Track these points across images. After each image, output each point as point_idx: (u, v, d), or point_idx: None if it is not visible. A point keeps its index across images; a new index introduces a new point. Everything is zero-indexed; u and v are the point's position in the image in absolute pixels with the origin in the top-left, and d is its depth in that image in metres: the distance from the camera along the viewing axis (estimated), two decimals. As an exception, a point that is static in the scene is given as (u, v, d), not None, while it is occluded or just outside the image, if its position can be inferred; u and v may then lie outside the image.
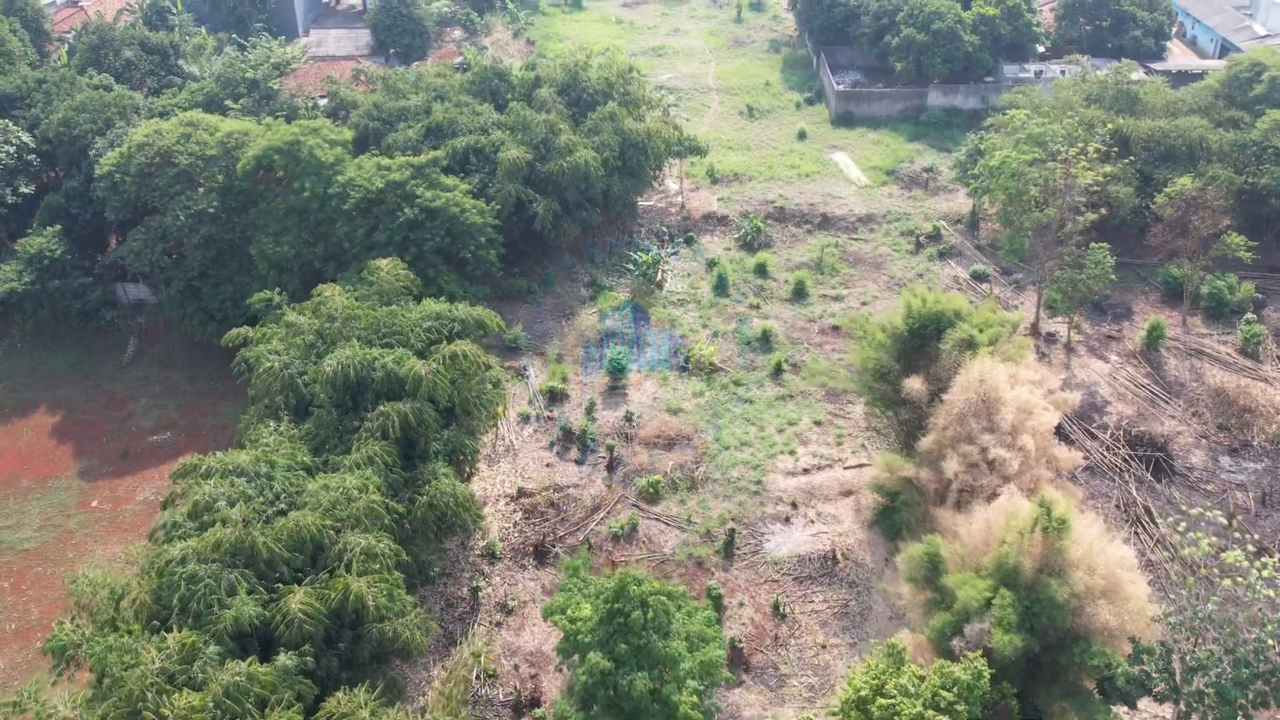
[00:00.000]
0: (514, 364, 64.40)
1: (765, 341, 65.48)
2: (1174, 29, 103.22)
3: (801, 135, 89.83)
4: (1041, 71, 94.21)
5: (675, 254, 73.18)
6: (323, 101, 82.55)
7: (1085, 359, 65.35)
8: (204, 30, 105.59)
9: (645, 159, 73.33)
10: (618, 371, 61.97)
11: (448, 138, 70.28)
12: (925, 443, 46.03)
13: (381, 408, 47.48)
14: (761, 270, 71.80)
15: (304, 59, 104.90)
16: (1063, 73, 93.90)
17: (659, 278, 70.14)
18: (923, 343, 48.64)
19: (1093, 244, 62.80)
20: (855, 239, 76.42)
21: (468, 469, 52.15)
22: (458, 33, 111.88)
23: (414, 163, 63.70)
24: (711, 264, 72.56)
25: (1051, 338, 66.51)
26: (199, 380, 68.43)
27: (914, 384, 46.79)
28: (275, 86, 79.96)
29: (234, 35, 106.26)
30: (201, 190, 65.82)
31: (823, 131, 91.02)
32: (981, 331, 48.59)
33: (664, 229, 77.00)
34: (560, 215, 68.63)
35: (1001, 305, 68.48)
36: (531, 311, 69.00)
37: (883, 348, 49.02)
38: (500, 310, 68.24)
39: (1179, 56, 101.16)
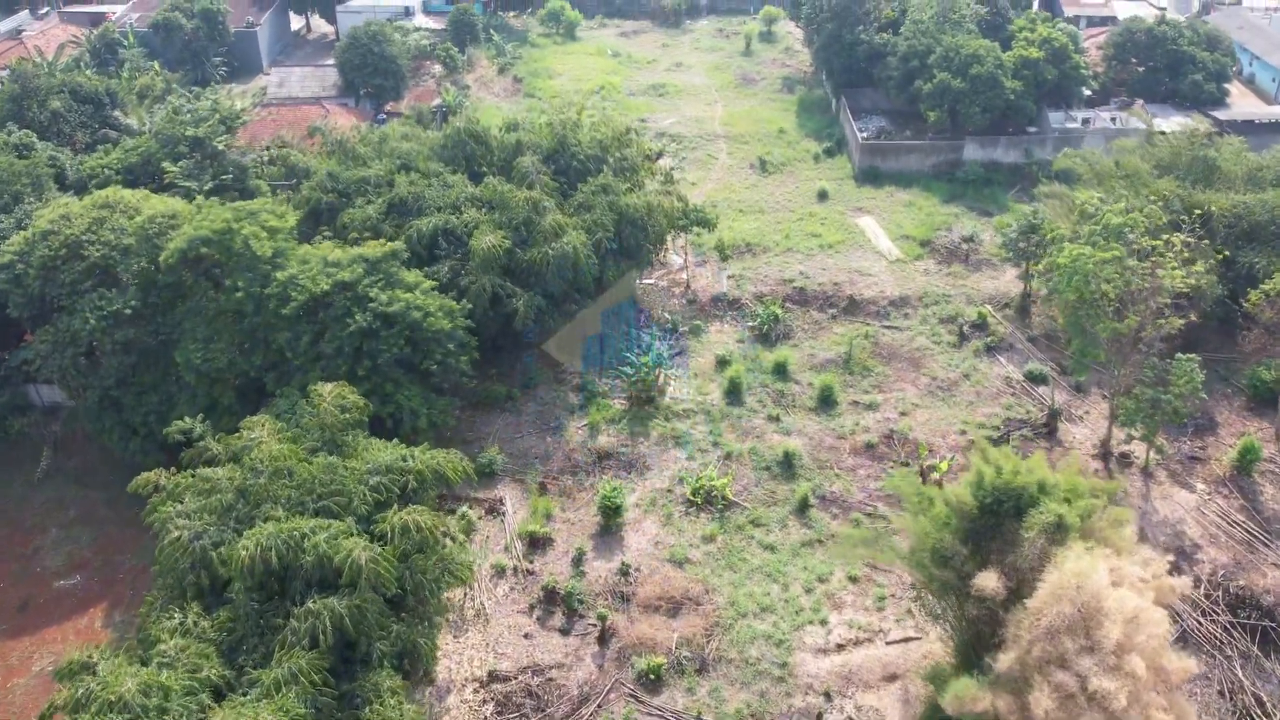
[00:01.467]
0: (488, 495, 54.64)
1: (788, 466, 55.72)
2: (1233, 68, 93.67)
3: (822, 195, 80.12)
4: (1090, 120, 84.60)
5: (679, 353, 63.38)
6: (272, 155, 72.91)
7: (1166, 487, 55.61)
8: (156, 66, 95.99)
9: (645, 238, 63.65)
10: (612, 510, 52.23)
11: (413, 216, 60.60)
12: (1004, 662, 36.28)
13: (311, 604, 37.78)
14: (781, 371, 62.05)
15: (263, 101, 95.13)
16: (1113, 120, 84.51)
17: (660, 382, 60.40)
18: (998, 522, 38.94)
19: (1179, 354, 53.12)
20: (888, 327, 66.69)
21: (422, 671, 42.43)
22: (438, 68, 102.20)
23: (368, 256, 53.91)
24: (722, 363, 62.81)
25: (1125, 460, 56.80)
26: (120, 504, 58.26)
27: (988, 582, 37.05)
28: (221, 146, 70.17)
29: (188, 71, 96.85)
30: (118, 289, 56.05)
31: (846, 190, 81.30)
32: (1070, 504, 38.89)
33: (666, 315, 67.27)
34: (545, 310, 58.96)
35: (1063, 415, 58.87)
36: (510, 423, 59.26)
37: (946, 526, 39.29)
38: (473, 422, 58.73)
39: (1239, 99, 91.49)
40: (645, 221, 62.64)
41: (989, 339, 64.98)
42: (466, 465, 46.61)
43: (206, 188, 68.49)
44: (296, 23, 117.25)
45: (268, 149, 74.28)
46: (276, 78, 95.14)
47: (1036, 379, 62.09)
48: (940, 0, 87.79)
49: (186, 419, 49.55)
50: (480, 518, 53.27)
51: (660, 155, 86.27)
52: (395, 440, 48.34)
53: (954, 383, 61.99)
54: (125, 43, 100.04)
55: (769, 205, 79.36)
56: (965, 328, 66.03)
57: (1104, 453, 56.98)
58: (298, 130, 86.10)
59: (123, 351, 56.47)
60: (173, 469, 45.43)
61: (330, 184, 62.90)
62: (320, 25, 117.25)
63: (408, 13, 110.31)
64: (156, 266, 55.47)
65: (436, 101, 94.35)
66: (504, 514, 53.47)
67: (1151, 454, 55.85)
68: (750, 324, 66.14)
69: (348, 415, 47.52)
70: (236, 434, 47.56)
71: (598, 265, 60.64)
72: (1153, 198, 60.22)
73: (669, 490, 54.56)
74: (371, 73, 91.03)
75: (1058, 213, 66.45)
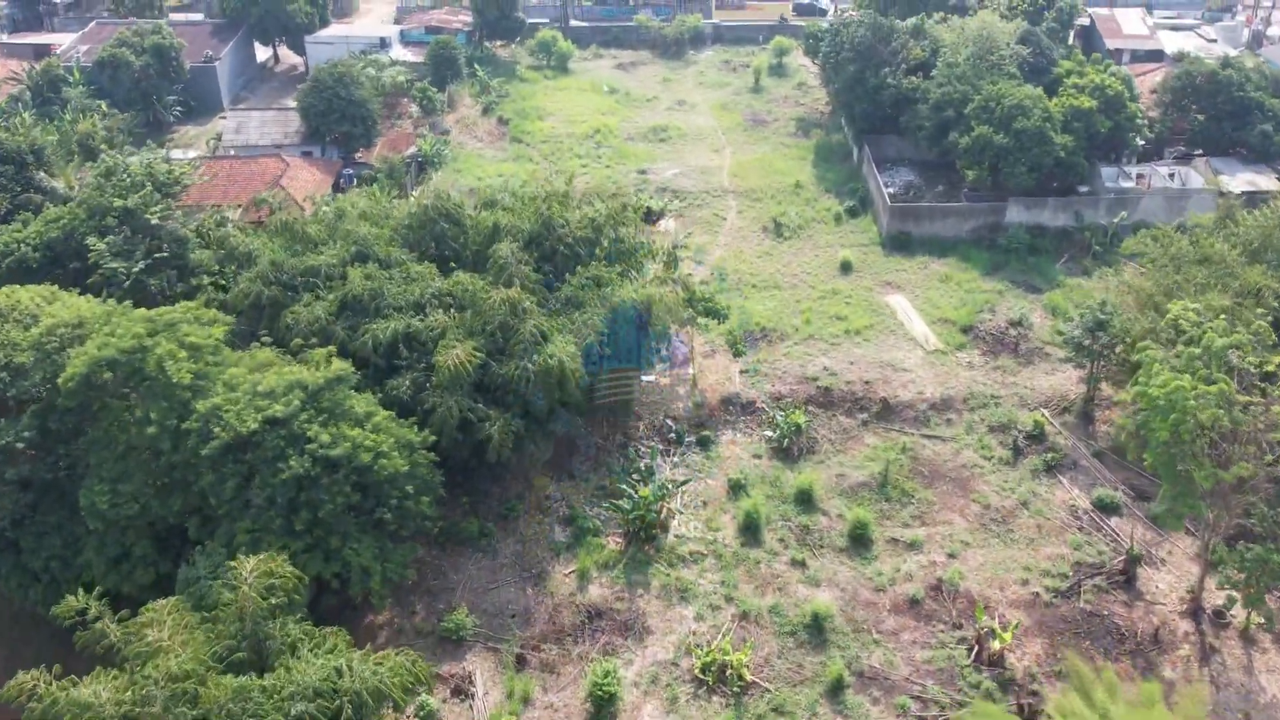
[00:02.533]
0: (454, 669, 45.52)
1: (817, 630, 46.62)
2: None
3: (846, 267, 70.99)
4: (1148, 177, 75.58)
5: (687, 483, 54.21)
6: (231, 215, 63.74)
7: (1271, 655, 46.62)
8: (103, 106, 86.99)
9: (645, 337, 54.61)
10: (605, 699, 43.15)
11: (369, 317, 51.51)
12: None
13: None
14: (805, 499, 52.95)
15: (216, 149, 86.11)
16: (1171, 176, 75.55)
17: (661, 516, 51.32)
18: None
19: (1292, 502, 44.11)
20: (929, 437, 57.62)
21: None
22: (416, 108, 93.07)
23: (307, 383, 44.72)
24: (736, 487, 53.73)
25: (1220, 619, 47.77)
26: (21, 659, 49.51)
27: None
28: (155, 219, 61.08)
29: (139, 112, 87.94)
30: (8, 417, 47.00)
31: (872, 260, 72.20)
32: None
33: (669, 422, 58.20)
34: (525, 435, 49.88)
35: (1142, 554, 49.83)
36: (484, 567, 50.14)
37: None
38: (439, 567, 49.67)
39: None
40: (645, 320, 53.55)
41: (1049, 455, 55.89)
42: (422, 670, 37.64)
43: (137, 268, 59.51)
44: (264, 53, 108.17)
45: (209, 220, 65.25)
46: (234, 122, 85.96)
47: (1107, 508, 53.03)
48: (976, 40, 78.77)
49: (79, 596, 40.36)
50: (444, 701, 44.19)
51: (661, 215, 77.35)
52: (337, 628, 39.52)
53: (1010, 513, 52.91)
54: (71, 79, 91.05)
55: (786, 278, 70.26)
56: (1020, 439, 56.97)
57: (1194, 608, 47.98)
58: (254, 187, 77.11)
59: (19, 488, 47.55)
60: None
61: (273, 275, 53.77)
62: (290, 55, 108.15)
63: (383, 44, 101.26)
64: (57, 389, 46.37)
65: (412, 150, 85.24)
66: (472, 696, 44.36)
67: (1256, 618, 46.77)
68: (768, 434, 57.05)
69: (275, 599, 38.59)
70: (140, 615, 38.89)
71: (588, 376, 51.56)
72: (1243, 295, 51.33)
73: (674, 663, 45.45)
74: (338, 119, 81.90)
75: (1126, 301, 57.60)
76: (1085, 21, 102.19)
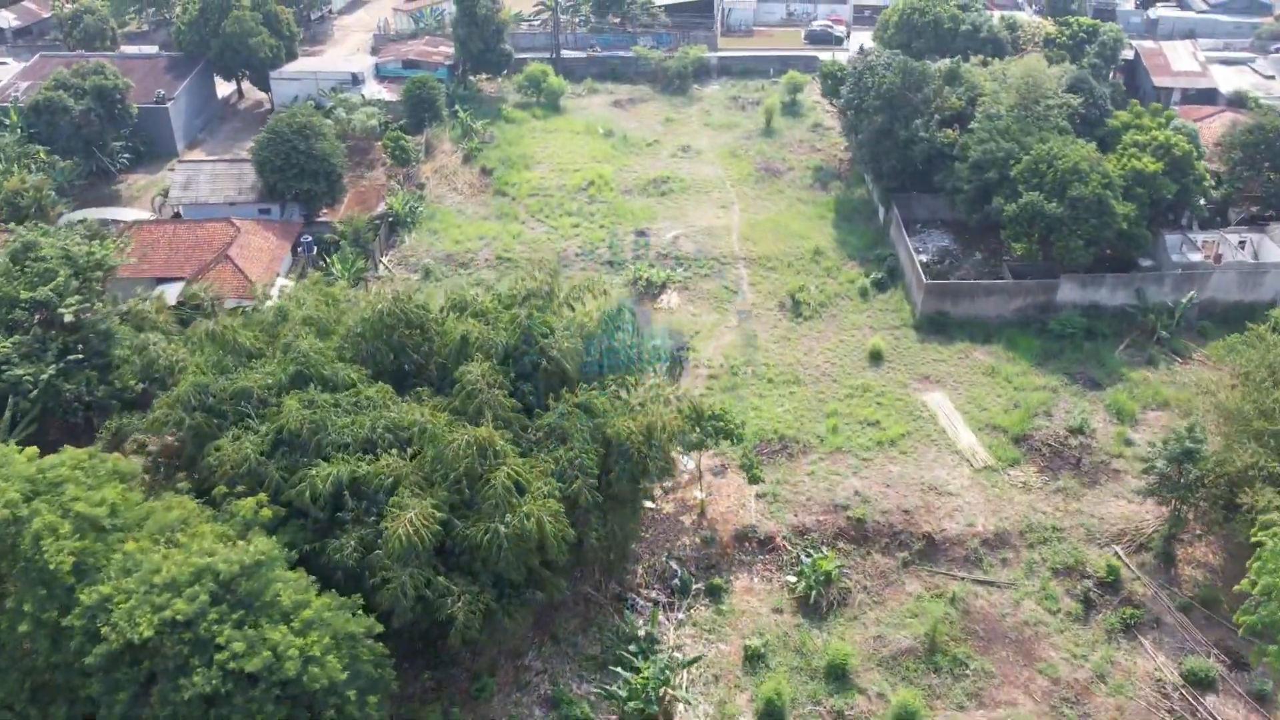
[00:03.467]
0: None
1: None
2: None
3: (876, 357, 62.25)
4: (1216, 245, 66.86)
5: (696, 660, 45.36)
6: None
7: None
8: (41, 154, 78.42)
9: (645, 474, 45.81)
10: None
11: (308, 455, 42.78)
12: None
13: None
14: (839, 675, 44.19)
15: (160, 208, 77.43)
16: (1242, 245, 67.01)
17: (665, 702, 42.53)
18: None
19: None
20: (983, 583, 48.87)
21: None
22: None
23: (220, 571, 35.88)
24: (754, 657, 44.98)
25: (1357, 844, 39.06)
26: None
27: None
28: (70, 314, 52.45)
29: (80, 161, 79.42)
30: None
31: (906, 347, 63.43)
32: None
33: (673, 565, 49.42)
34: (495, 609, 41.07)
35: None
36: (449, 769, 41.41)
37: None
38: (393, 772, 40.81)
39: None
40: (644, 455, 44.70)
41: (1126, 612, 47.09)
42: None
43: (47, 373, 51.07)
44: (227, 87, 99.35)
45: (136, 305, 56.60)
46: (182, 176, 77.07)
47: (1201, 682, 44.27)
48: (1020, 87, 70.03)
49: None
50: None
51: (664, 288, 68.64)
52: None
53: (1084, 689, 44.16)
54: (7, 120, 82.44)
55: (807, 370, 61.51)
56: (1090, 587, 48.22)
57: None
58: (199, 256, 68.39)
59: None
60: None
61: (196, 399, 44.95)
62: (256, 89, 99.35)
63: (355, 81, 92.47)
64: (-87, 564, 37.63)
65: (381, 208, 76.53)
66: None
67: None
68: (790, 581, 48.30)
69: None
70: None
71: (575, 531, 42.77)
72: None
73: None
74: (297, 175, 73.11)
75: (1209, 414, 49.04)
76: (1129, 55, 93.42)
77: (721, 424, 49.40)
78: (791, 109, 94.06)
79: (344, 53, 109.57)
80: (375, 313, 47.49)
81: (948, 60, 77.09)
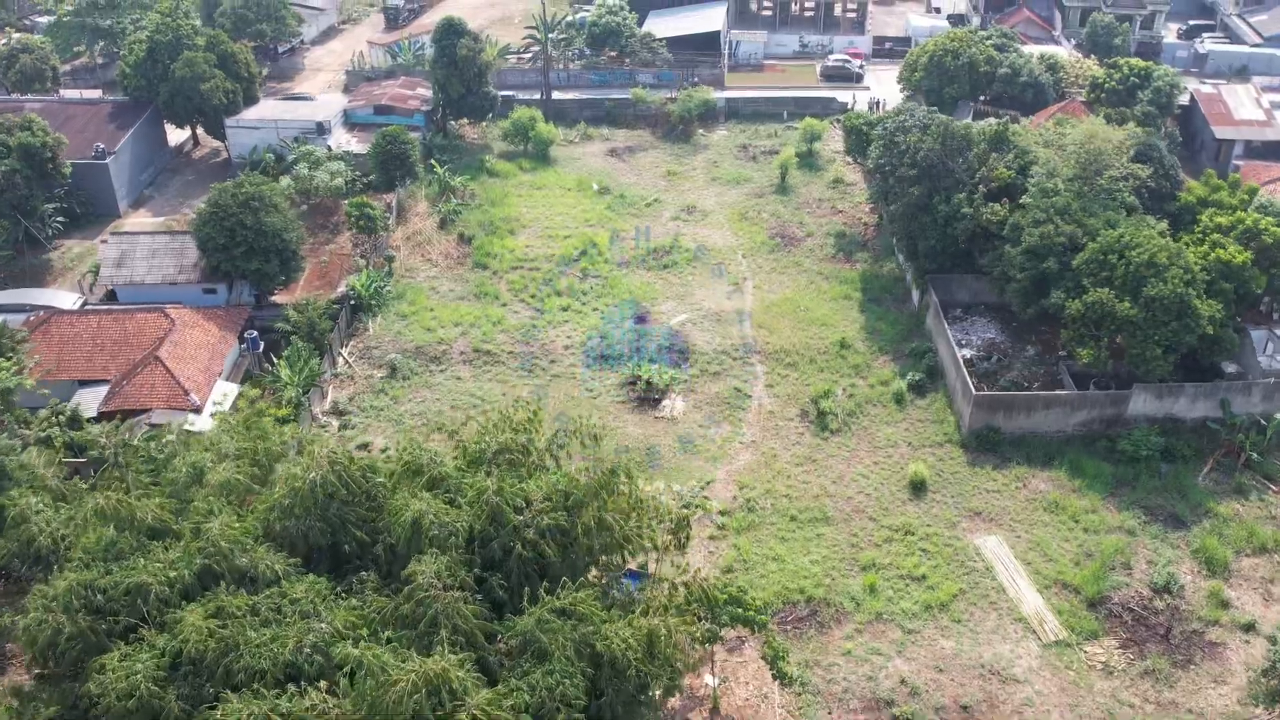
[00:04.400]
0: None
1: None
2: None
3: (918, 487, 53.14)
4: (1313, 348, 57.77)
5: None
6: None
7: None
8: (-41, 220, 69.46)
9: (646, 690, 36.65)
10: None
11: (216, 684, 33.62)
12: None
13: None
14: None
15: (93, 287, 68.32)
16: (1340, 341, 57.65)
17: None
18: None
19: None
20: (1062, 810, 39.79)
21: None
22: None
23: None
24: None
25: None
26: None
27: None
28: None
29: (6, 227, 70.36)
30: None
31: (951, 472, 54.27)
32: None
33: (680, 787, 40.34)
34: None
35: None
36: None
37: None
38: None
39: None
40: (645, 673, 35.55)
41: None
42: None
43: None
44: (181, 133, 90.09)
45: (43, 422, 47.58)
46: (115, 250, 67.76)
47: None
48: (1081, 156, 60.93)
49: None
50: None
51: (665, 393, 59.48)
52: None
53: None
54: (-77, 180, 73.33)
55: (837, 503, 52.38)
56: (1199, 821, 39.14)
57: None
58: (127, 354, 59.37)
59: None
60: None
61: (80, 601, 35.84)
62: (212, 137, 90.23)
63: (321, 130, 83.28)
64: None
65: (343, 288, 67.46)
66: None
67: None
68: (826, 811, 39.17)
69: None
70: None
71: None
72: None
73: None
74: (245, 254, 64.00)
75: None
76: (1185, 101, 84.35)
77: (740, 610, 40.27)
78: (808, 161, 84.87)
79: (315, 89, 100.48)
80: (308, 482, 38.25)
81: (992, 120, 67.96)
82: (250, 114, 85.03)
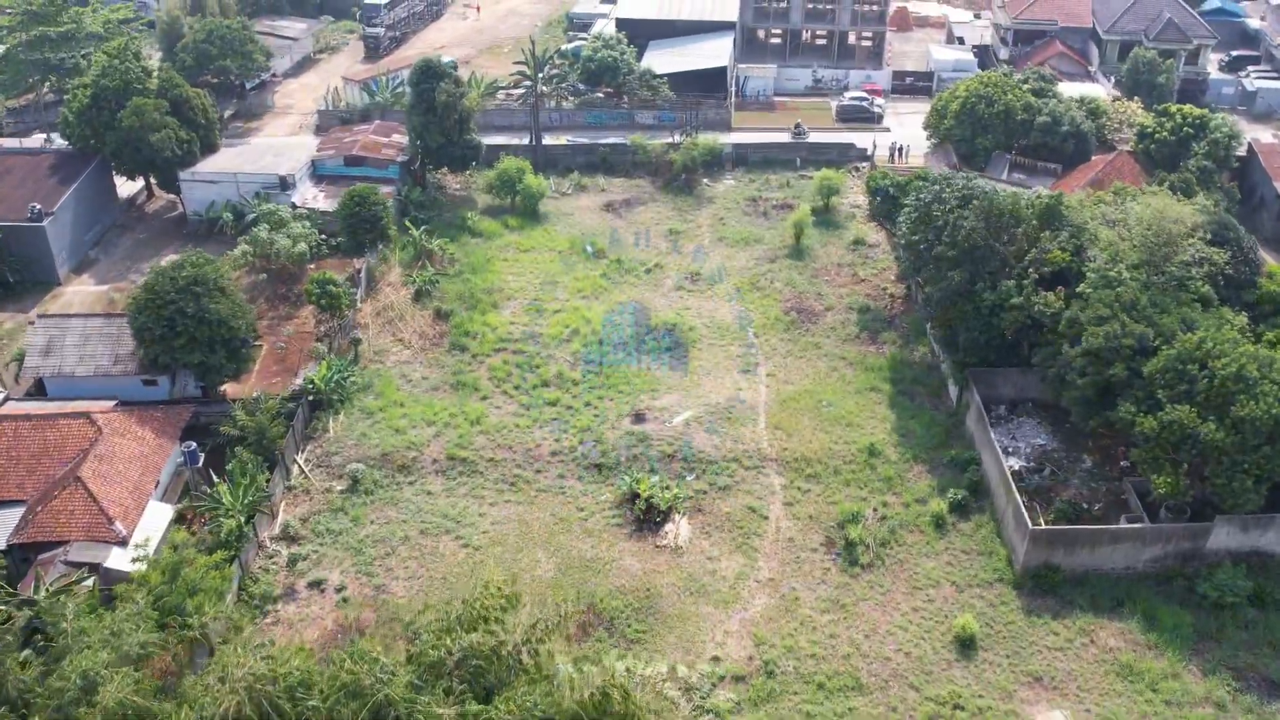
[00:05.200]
0: None
1: None
2: None
3: (965, 644, 45.33)
4: None
5: None
6: None
7: None
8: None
9: None
10: None
11: None
12: None
13: None
14: None
15: (19, 377, 60.49)
16: None
17: None
18: None
19: None
20: None
21: None
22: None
23: None
24: None
25: None
26: None
27: None
28: None
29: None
30: None
31: (1004, 621, 46.42)
32: None
33: None
34: None
35: None
36: None
37: None
38: None
39: None
40: None
41: None
42: None
43: None
44: (133, 183, 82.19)
45: None
46: (43, 337, 59.83)
47: None
48: (1148, 240, 53.20)
49: None
50: None
51: (669, 514, 51.74)
52: None
53: None
54: None
55: (871, 665, 44.59)
56: None
57: None
58: (46, 470, 51.68)
59: None
60: None
61: None
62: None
63: (284, 185, 75.49)
64: None
65: (299, 381, 59.75)
66: None
67: None
68: None
69: None
70: None
71: None
72: None
73: None
74: (186, 346, 56.24)
75: None
76: (1243, 152, 76.64)
77: None
78: (825, 218, 77.09)
79: (285, 129, 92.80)
80: (221, 713, 30.41)
81: (1041, 188, 60.35)
82: (207, 166, 77.22)
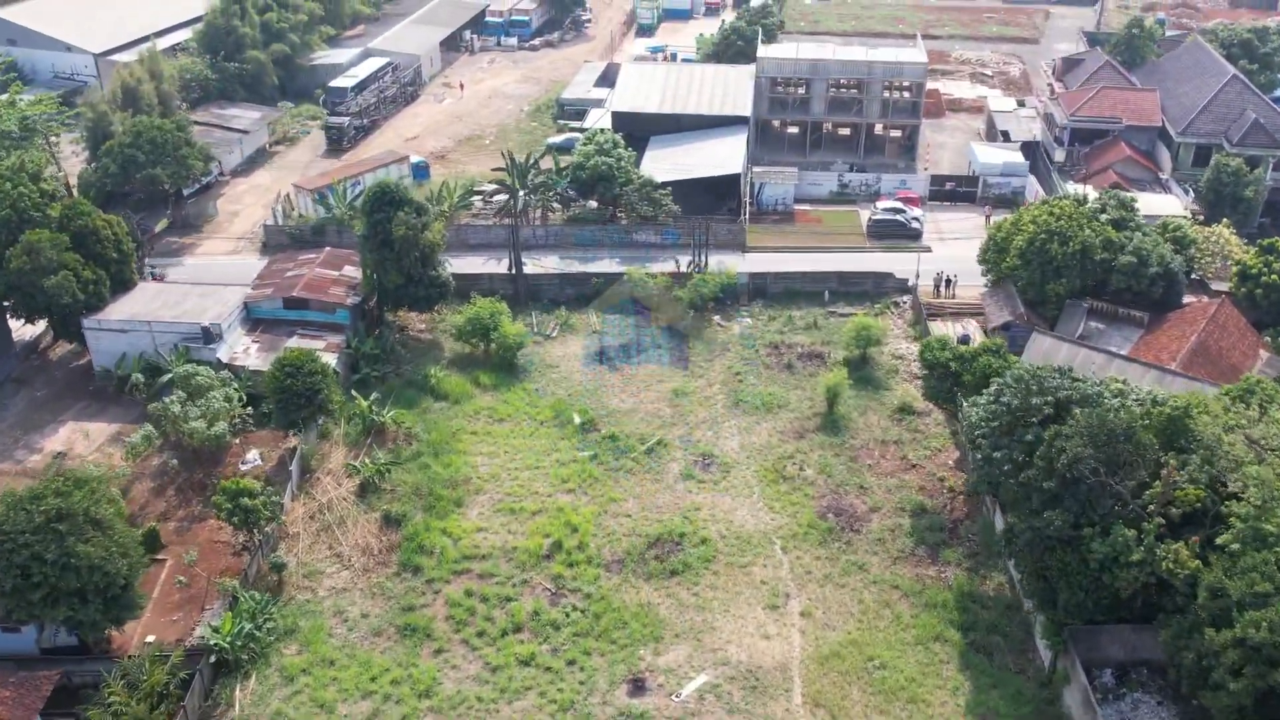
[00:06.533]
0: None
1: None
2: None
3: None
4: None
5: None
6: None
7: None
8: None
9: None
10: None
11: None
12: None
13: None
14: None
15: None
16: None
17: None
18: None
19: None
20: None
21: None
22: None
23: None
24: None
25: None
26: None
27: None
28: None
29: None
30: None
31: None
32: None
33: None
34: None
35: None
36: None
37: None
38: None
39: None
40: None
41: None
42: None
43: None
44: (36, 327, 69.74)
45: None
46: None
47: None
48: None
49: None
50: None
51: None
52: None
53: None
54: None
55: None
56: None
57: None
58: None
59: None
60: None
61: None
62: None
63: (208, 338, 63.00)
64: None
65: (200, 630, 46.71)
66: None
67: None
68: None
69: None
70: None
71: None
72: None
73: None
74: (47, 599, 43.45)
75: None
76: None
77: None
78: (862, 373, 64.60)
79: (226, 245, 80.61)
80: None
81: (1162, 391, 47.56)
82: (119, 311, 64.80)
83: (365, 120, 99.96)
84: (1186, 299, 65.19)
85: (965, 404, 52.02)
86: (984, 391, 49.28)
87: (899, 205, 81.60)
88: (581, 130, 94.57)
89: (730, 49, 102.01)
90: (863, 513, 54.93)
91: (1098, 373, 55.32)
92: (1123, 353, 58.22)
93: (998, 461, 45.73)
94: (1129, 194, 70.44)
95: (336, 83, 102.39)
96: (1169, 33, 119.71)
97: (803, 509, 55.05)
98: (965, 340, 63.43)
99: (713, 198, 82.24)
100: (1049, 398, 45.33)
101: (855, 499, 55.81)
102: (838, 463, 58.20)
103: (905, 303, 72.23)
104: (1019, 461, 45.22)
